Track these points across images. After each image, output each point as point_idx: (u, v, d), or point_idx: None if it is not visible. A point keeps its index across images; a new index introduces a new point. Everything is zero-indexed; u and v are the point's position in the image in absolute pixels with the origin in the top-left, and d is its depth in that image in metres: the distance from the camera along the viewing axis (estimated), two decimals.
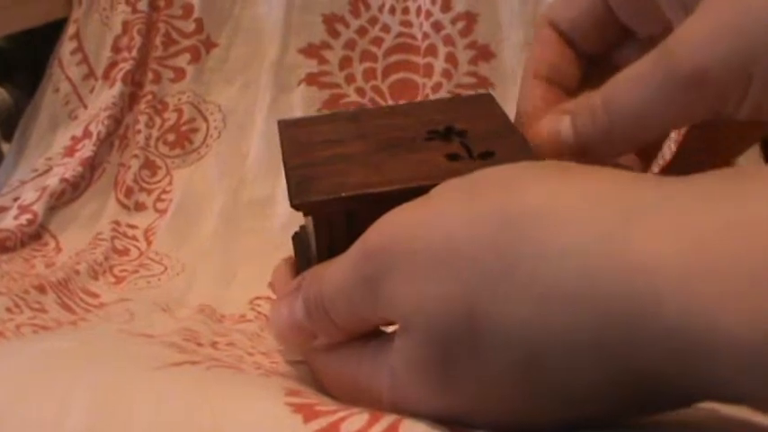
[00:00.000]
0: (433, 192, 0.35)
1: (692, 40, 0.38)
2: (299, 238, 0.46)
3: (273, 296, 0.72)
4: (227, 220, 0.90)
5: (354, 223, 0.38)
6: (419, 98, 0.95)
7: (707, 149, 0.48)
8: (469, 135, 0.43)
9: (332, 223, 0.40)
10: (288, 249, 0.47)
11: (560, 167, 0.33)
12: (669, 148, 0.50)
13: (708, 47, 0.37)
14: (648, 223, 0.27)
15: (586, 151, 0.42)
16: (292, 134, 0.44)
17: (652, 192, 0.29)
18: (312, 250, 0.42)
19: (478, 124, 0.44)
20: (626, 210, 0.28)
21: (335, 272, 0.36)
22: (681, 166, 0.48)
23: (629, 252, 0.27)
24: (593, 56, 0.47)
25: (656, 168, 0.49)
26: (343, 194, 0.39)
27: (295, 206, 0.39)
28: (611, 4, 0.45)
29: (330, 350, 0.38)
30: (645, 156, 0.48)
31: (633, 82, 0.40)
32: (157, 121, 0.98)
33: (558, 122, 0.43)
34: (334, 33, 1.01)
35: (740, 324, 0.24)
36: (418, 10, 1.00)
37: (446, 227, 0.32)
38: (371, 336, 0.37)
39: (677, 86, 0.38)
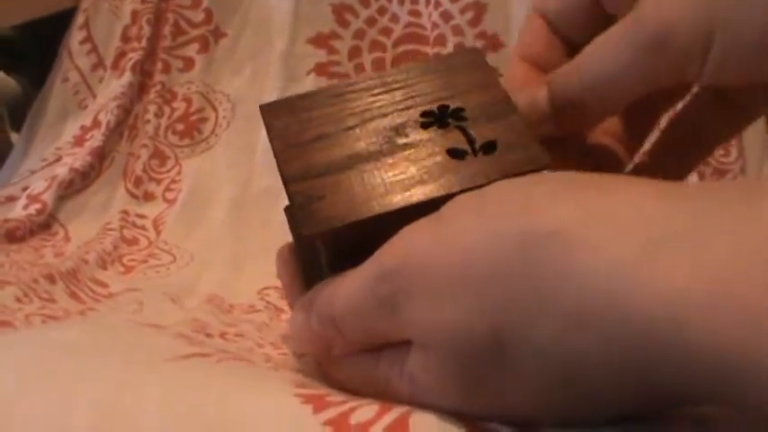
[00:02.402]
0: (446, 209, 0.35)
1: (657, 3, 0.39)
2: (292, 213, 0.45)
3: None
4: (237, 210, 0.90)
5: (359, 232, 0.38)
6: None
7: (690, 137, 0.48)
8: (467, 115, 0.42)
9: (339, 238, 0.39)
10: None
11: (573, 182, 0.33)
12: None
13: (671, 10, 0.38)
14: (669, 253, 0.27)
15: (561, 118, 0.43)
16: (281, 128, 0.42)
17: (671, 215, 0.28)
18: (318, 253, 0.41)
19: (473, 97, 0.43)
20: (645, 236, 0.28)
21: (347, 292, 0.36)
22: (664, 153, 0.49)
23: (650, 280, 0.27)
24: (579, 44, 0.47)
25: (638, 158, 0.49)
26: (351, 221, 0.38)
27: (305, 238, 0.38)
28: None
29: (345, 358, 0.38)
30: (629, 144, 0.49)
31: (604, 45, 0.41)
32: (166, 110, 0.98)
33: (535, 92, 0.44)
34: (344, 23, 1.01)
35: (765, 355, 0.24)
36: (427, 0, 1.00)
37: (464, 248, 0.32)
38: (385, 344, 0.37)
39: (643, 45, 0.39)
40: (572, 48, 0.47)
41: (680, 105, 0.49)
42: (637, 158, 0.49)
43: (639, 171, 0.48)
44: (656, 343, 0.26)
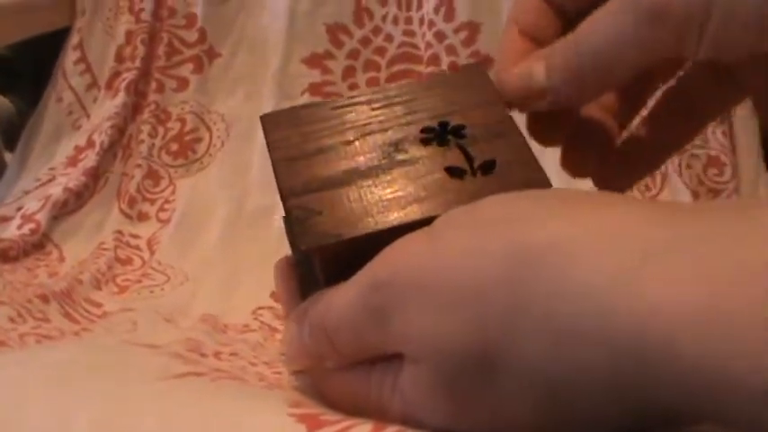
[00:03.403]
0: (439, 223, 0.35)
1: None
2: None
3: (276, 306, 0.72)
4: (231, 230, 0.90)
5: (356, 248, 0.38)
6: None
7: (680, 113, 0.48)
8: (467, 133, 0.42)
9: (335, 254, 0.39)
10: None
11: (567, 199, 0.33)
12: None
13: None
14: (662, 267, 0.27)
15: (558, 94, 0.42)
16: (280, 139, 0.41)
17: (664, 231, 0.29)
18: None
19: (474, 115, 0.42)
20: (639, 251, 0.28)
21: (339, 303, 0.36)
22: (656, 128, 0.48)
23: (643, 295, 0.27)
24: (572, 14, 0.47)
25: (629, 132, 0.49)
26: (349, 236, 0.38)
27: (301, 252, 0.38)
28: None
29: (338, 372, 0.38)
30: (620, 117, 0.48)
31: (602, 20, 0.40)
32: (160, 130, 0.98)
33: (531, 66, 0.43)
34: (338, 43, 1.01)
35: (754, 371, 0.24)
36: (421, 20, 1.00)
37: (457, 263, 0.32)
38: (377, 358, 0.37)
39: (642, 20, 0.38)
40: (565, 18, 0.47)
41: (673, 79, 0.48)
42: (627, 132, 0.49)
43: (630, 144, 0.48)
44: (650, 357, 0.26)
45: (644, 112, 0.49)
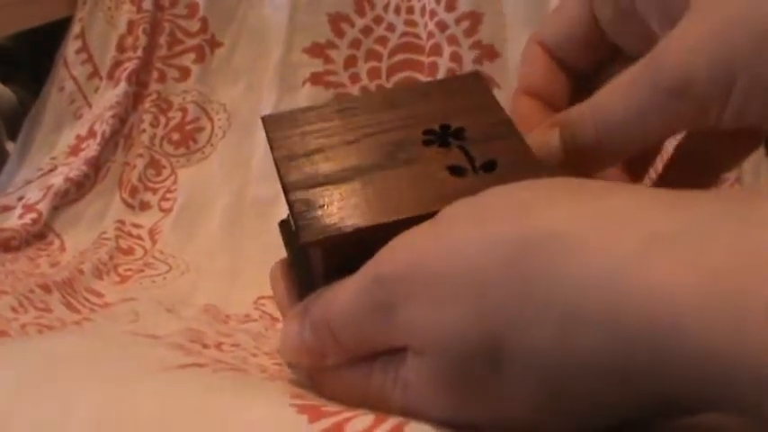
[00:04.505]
0: (441, 215, 0.35)
1: (677, 48, 0.38)
2: (288, 228, 0.45)
3: None
4: (232, 220, 0.90)
5: (357, 243, 0.38)
6: None
7: (697, 165, 0.47)
8: (468, 135, 0.42)
9: (337, 248, 0.39)
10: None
11: (569, 187, 0.33)
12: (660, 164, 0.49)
13: (692, 54, 0.37)
14: (667, 253, 0.27)
15: (574, 164, 0.42)
16: (282, 139, 0.42)
17: (668, 217, 0.29)
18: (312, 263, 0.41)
19: (475, 119, 0.43)
20: (642, 237, 0.28)
21: (343, 298, 0.36)
22: (672, 181, 0.47)
23: (648, 280, 0.27)
24: (582, 74, 0.47)
25: (647, 184, 0.48)
26: (351, 229, 0.38)
27: (303, 245, 0.38)
28: (600, 22, 0.45)
29: (338, 367, 0.38)
30: (635, 172, 0.48)
31: (620, 92, 0.40)
32: (162, 120, 0.98)
33: (547, 135, 0.43)
34: (339, 33, 1.01)
35: (758, 355, 0.24)
36: (423, 9, 1.00)
37: (461, 253, 0.32)
38: (380, 352, 0.37)
39: (662, 94, 0.38)
40: (574, 76, 0.47)
41: (685, 132, 0.47)
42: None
43: None
44: (656, 342, 0.26)
45: (658, 166, 0.48)
